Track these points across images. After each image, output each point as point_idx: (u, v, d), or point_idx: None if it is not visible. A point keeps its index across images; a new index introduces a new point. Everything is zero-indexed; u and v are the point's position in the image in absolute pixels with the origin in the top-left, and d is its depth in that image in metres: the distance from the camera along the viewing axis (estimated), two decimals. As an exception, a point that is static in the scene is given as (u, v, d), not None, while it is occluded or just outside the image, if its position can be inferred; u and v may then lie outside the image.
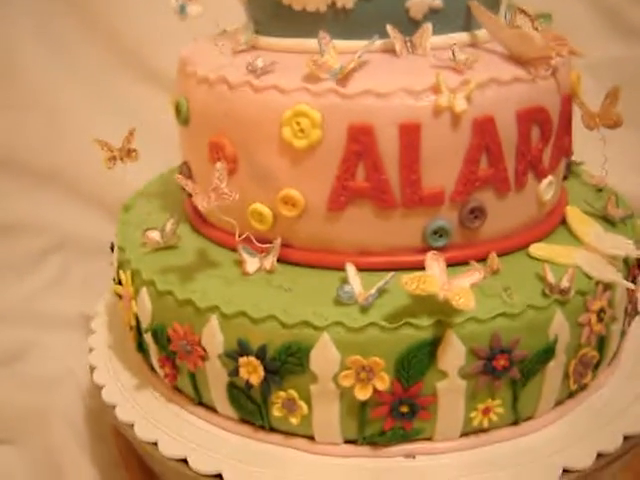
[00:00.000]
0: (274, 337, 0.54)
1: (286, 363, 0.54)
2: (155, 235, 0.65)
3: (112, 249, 0.72)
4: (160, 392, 0.66)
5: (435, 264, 0.53)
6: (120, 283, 0.66)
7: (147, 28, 0.87)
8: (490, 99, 0.55)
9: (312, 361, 0.54)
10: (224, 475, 0.56)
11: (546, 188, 0.61)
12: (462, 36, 0.61)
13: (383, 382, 0.53)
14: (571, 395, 0.62)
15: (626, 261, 0.62)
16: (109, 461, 0.74)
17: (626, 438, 0.59)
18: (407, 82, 0.54)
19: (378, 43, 0.58)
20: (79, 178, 0.99)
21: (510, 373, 0.55)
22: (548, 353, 0.56)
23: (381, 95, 0.53)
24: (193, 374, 0.60)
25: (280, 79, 0.56)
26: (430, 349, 0.53)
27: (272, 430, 0.59)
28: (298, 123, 0.54)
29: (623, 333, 0.66)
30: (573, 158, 0.81)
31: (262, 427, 0.59)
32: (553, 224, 0.65)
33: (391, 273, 0.55)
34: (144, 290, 0.62)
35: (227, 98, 0.58)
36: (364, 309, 0.54)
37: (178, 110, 0.64)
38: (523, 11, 0.62)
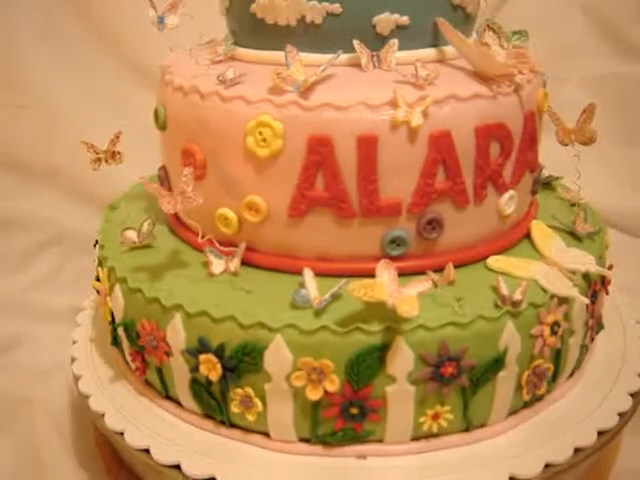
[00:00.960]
0: (232, 336, 0.57)
1: (242, 362, 0.57)
2: (132, 235, 0.68)
3: (95, 246, 0.75)
4: (133, 385, 0.69)
5: (386, 272, 0.55)
6: (99, 279, 0.69)
7: (148, 31, 0.90)
8: (448, 115, 0.57)
9: (266, 361, 0.56)
10: (182, 466, 0.58)
11: (507, 202, 0.63)
12: (429, 52, 0.62)
13: (333, 384, 0.55)
14: (526, 405, 0.63)
15: (587, 276, 0.63)
16: (88, 451, 0.77)
17: (577, 450, 0.60)
18: (367, 96, 0.56)
19: (345, 57, 0.60)
20: (76, 176, 1.03)
21: (459, 381, 0.57)
22: (498, 363, 0.58)
23: (340, 108, 0.55)
24: (160, 369, 0.63)
25: (246, 90, 0.58)
26: (379, 354, 0.55)
27: (232, 426, 0.61)
28: (261, 133, 0.56)
29: (584, 347, 0.67)
30: (553, 173, 0.82)
31: (223, 422, 0.62)
32: (517, 237, 0.67)
33: (344, 279, 0.57)
34: (117, 287, 0.65)
35: (198, 107, 0.60)
36: (317, 313, 0.56)
37: (157, 116, 0.67)
38: (491, 28, 0.63)
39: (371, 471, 0.58)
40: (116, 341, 0.68)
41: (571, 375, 0.67)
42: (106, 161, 0.72)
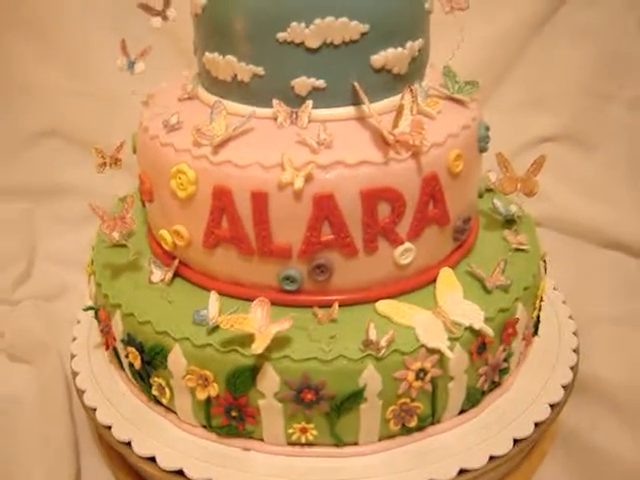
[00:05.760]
0: (148, 338, 0.70)
1: (154, 359, 0.70)
2: (115, 233, 0.83)
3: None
4: (109, 355, 0.85)
5: (259, 309, 0.65)
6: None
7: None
8: (332, 179, 0.64)
9: (169, 362, 0.69)
10: (112, 428, 0.74)
11: (403, 253, 0.69)
12: (348, 110, 0.68)
13: (215, 390, 0.67)
14: (404, 433, 0.71)
15: (473, 330, 0.68)
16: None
17: (431, 482, 0.67)
18: (263, 157, 0.64)
19: (270, 112, 0.68)
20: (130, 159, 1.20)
21: (319, 406, 0.66)
22: (358, 396, 0.65)
23: (239, 166, 0.65)
24: (114, 348, 0.79)
25: (177, 138, 0.69)
26: (251, 373, 0.66)
27: (158, 403, 0.76)
28: (180, 178, 0.68)
29: (476, 390, 0.72)
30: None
31: (151, 399, 0.76)
32: (422, 283, 0.72)
33: (236, 306, 0.68)
34: (92, 277, 0.81)
35: (147, 145, 0.73)
36: (210, 331, 0.68)
37: (133, 140, 0.80)
38: (411, 90, 0.67)
39: (252, 463, 0.70)
40: (96, 317, 0.85)
41: (463, 412, 0.74)
42: (110, 166, 0.87)
